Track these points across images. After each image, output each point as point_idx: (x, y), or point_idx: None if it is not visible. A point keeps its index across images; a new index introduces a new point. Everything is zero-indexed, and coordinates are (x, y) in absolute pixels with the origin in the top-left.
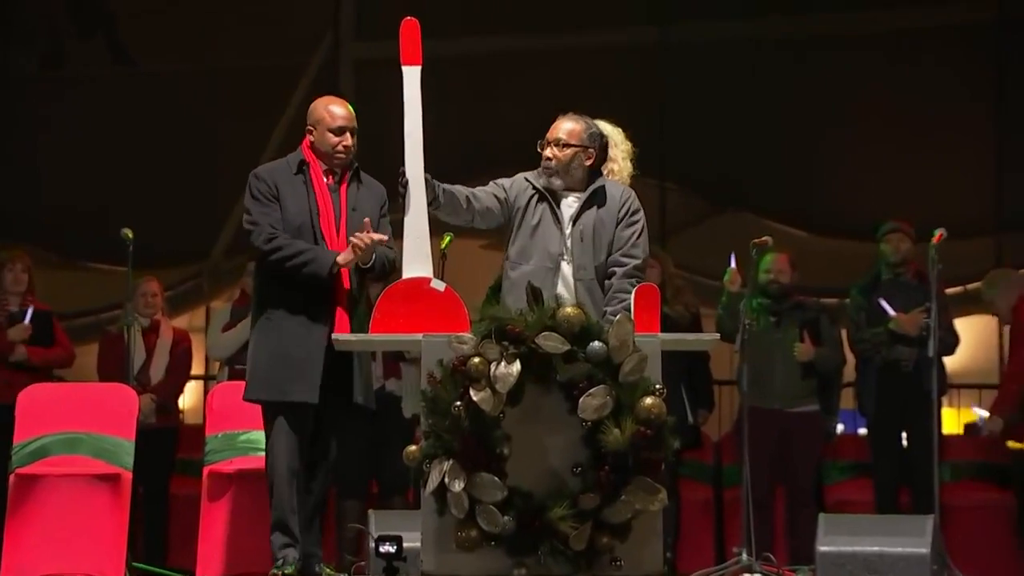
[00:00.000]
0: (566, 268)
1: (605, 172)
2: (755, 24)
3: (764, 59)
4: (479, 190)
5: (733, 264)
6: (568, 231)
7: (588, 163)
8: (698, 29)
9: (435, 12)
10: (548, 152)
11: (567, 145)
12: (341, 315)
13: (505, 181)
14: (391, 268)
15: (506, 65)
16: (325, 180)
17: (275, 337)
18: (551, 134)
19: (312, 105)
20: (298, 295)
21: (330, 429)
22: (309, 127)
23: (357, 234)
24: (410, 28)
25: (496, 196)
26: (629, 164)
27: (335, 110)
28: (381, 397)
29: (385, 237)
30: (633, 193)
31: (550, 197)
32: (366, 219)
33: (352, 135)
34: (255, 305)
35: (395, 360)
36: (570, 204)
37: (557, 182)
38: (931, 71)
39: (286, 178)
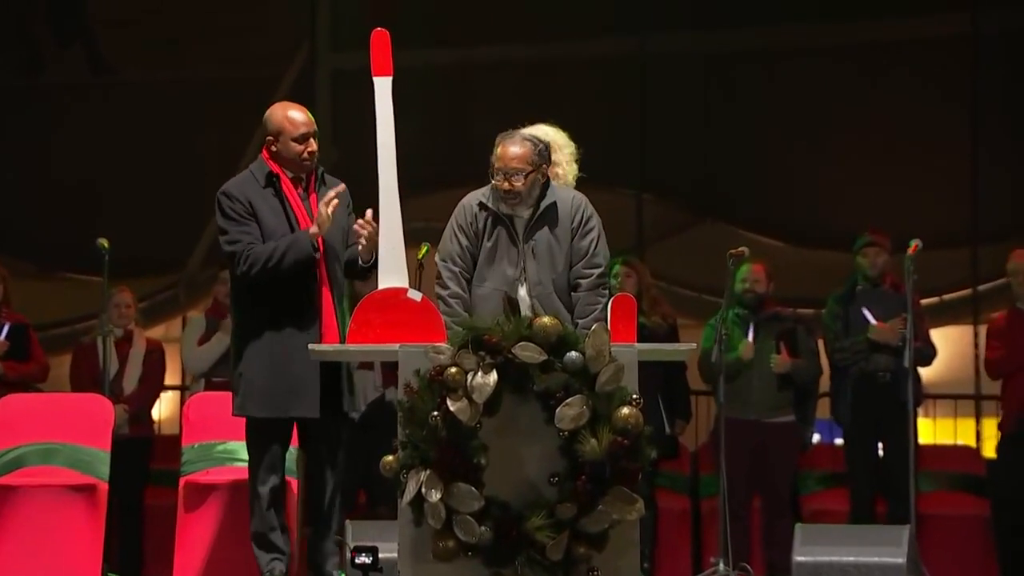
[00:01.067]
0: (522, 290)
1: (551, 176)
2: (733, 35)
3: (742, 70)
4: (456, 282)
5: (751, 338)
6: (522, 250)
7: (542, 180)
8: (677, 40)
9: (412, 23)
10: (506, 185)
11: (523, 173)
12: (330, 324)
13: (460, 225)
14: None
15: (481, 76)
16: (296, 189)
17: (266, 351)
18: (503, 164)
19: (268, 114)
20: (281, 305)
21: (327, 439)
22: (269, 137)
23: (360, 221)
24: (380, 39)
25: (465, 276)
26: (575, 166)
27: (295, 116)
28: (382, 406)
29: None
30: (585, 199)
31: (505, 218)
32: (368, 210)
33: (315, 139)
34: (235, 317)
35: (393, 370)
36: (523, 221)
37: (522, 210)
38: (907, 82)
39: (256, 192)
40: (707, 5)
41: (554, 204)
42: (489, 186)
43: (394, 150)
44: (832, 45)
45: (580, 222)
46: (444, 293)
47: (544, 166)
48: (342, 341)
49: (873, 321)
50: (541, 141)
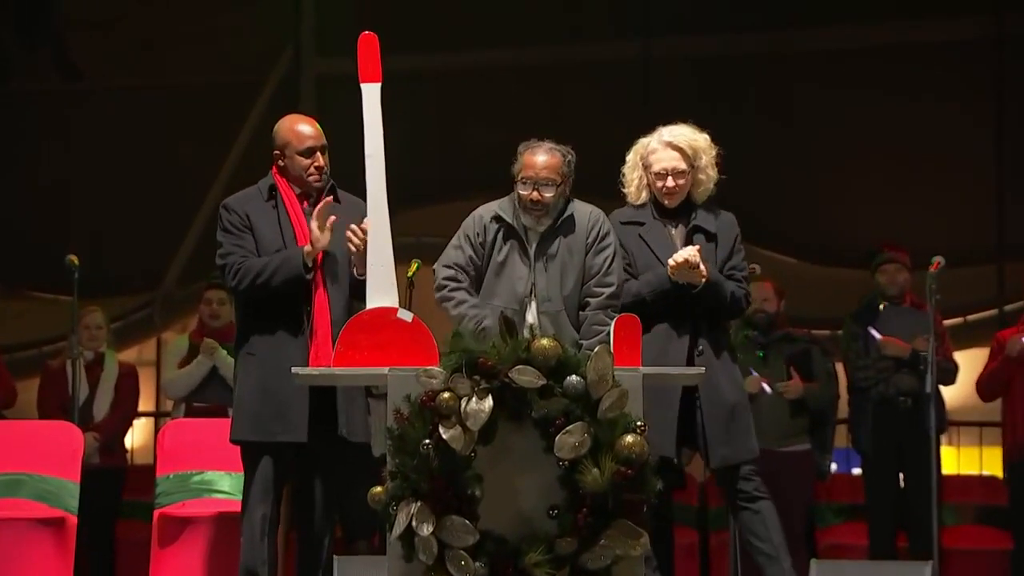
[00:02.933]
0: (532, 308)
1: (695, 183)
2: (749, 41)
3: (755, 81)
4: (463, 287)
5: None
6: (534, 265)
7: (567, 192)
8: (687, 44)
9: (403, 26)
10: (534, 196)
11: (553, 184)
12: (323, 346)
13: (468, 236)
14: None
15: (475, 82)
16: (301, 204)
17: (257, 372)
18: (533, 173)
19: (276, 127)
20: (278, 325)
21: (319, 466)
22: (276, 151)
23: (353, 227)
24: (368, 43)
25: (467, 288)
26: (715, 171)
27: (302, 130)
28: None
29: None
30: (603, 215)
31: (520, 231)
32: (366, 219)
33: (323, 153)
34: (237, 338)
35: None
36: (537, 234)
37: (546, 221)
38: (928, 92)
39: (257, 206)
40: (716, 9)
41: (571, 217)
42: (507, 198)
43: (383, 160)
44: (849, 51)
45: (596, 238)
46: (447, 291)
47: (570, 177)
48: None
49: (879, 336)
50: (569, 152)
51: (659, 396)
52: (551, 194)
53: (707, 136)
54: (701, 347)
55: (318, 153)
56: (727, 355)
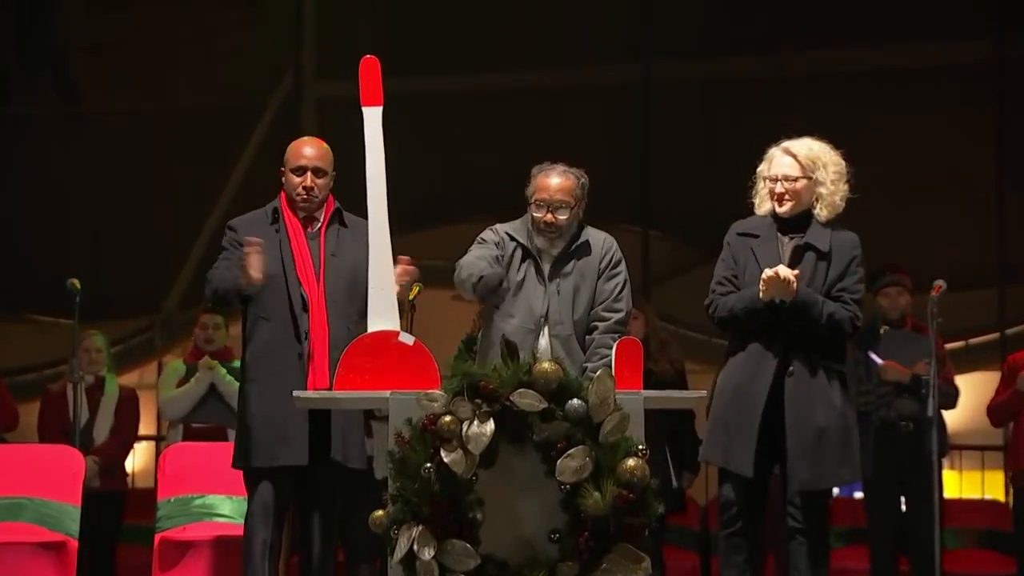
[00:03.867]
0: (544, 331)
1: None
2: (749, 63)
3: (754, 101)
4: (488, 261)
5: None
6: (548, 287)
7: (580, 214)
8: (685, 67)
9: (402, 49)
10: (548, 218)
11: (567, 206)
12: (322, 367)
13: (491, 240)
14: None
15: (476, 106)
16: (305, 228)
17: (257, 397)
18: (548, 195)
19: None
20: (277, 349)
21: (318, 491)
22: (282, 169)
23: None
24: (370, 67)
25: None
26: (844, 187)
27: (299, 148)
28: None
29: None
30: (615, 243)
31: (535, 253)
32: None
33: (315, 174)
34: (242, 364)
35: (366, 417)
36: (551, 258)
37: (560, 244)
38: (928, 113)
39: (261, 228)
40: (716, 31)
41: (586, 243)
42: (519, 220)
43: (384, 183)
44: (850, 72)
45: (609, 264)
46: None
47: (583, 200)
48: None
49: (880, 362)
50: (583, 175)
51: (740, 413)
52: (565, 216)
53: (836, 153)
54: (792, 368)
55: (309, 173)
56: (826, 377)
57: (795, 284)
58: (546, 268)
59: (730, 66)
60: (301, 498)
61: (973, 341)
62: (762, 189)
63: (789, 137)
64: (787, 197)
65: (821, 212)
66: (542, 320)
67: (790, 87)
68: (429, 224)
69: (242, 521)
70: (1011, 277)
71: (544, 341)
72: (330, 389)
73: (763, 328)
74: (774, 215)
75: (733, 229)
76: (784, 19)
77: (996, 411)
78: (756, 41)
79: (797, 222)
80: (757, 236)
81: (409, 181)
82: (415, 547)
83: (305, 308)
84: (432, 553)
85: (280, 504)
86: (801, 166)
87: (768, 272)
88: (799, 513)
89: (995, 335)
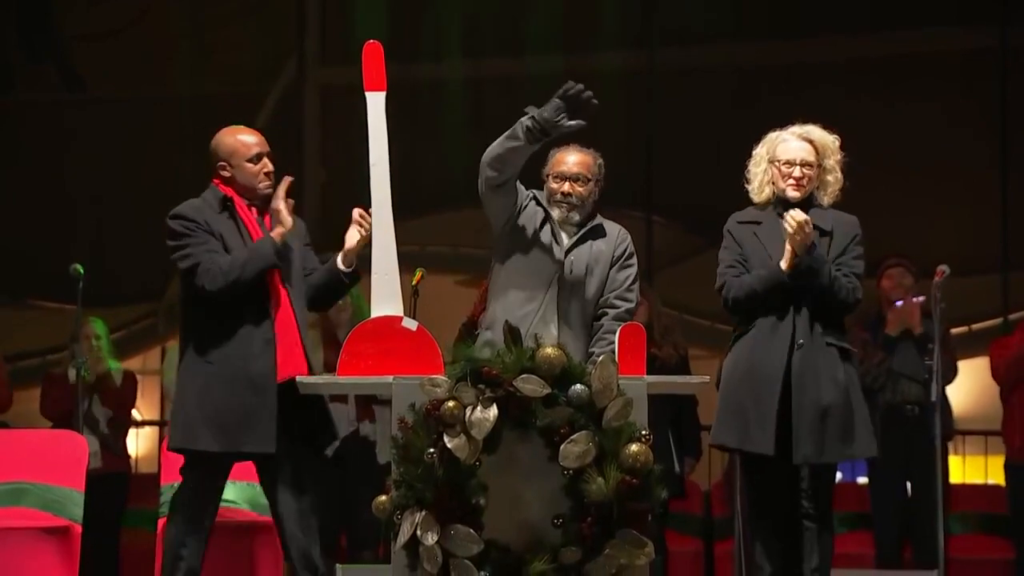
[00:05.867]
0: (551, 301)
1: (820, 183)
2: (751, 50)
3: (758, 88)
4: None
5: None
6: (562, 260)
7: (597, 195)
8: (688, 55)
9: (408, 36)
10: (566, 188)
11: (585, 179)
12: (294, 348)
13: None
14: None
15: (480, 92)
16: (250, 213)
17: (215, 380)
18: (565, 168)
19: (215, 140)
20: (237, 330)
21: (284, 478)
22: (221, 163)
23: (360, 211)
24: (373, 52)
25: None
26: (840, 175)
27: (246, 138)
28: (354, 441)
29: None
30: (629, 236)
31: (554, 223)
32: (355, 209)
33: (271, 159)
34: (184, 339)
35: (368, 403)
36: (568, 235)
37: (576, 217)
38: (932, 101)
39: (212, 216)
40: (721, 20)
41: (600, 227)
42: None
43: (388, 169)
44: (854, 62)
45: (623, 254)
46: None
47: (600, 181)
48: (310, 370)
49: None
50: (599, 155)
51: (756, 393)
52: (583, 188)
53: (837, 138)
54: (801, 341)
55: (266, 159)
56: (836, 354)
57: (810, 226)
58: (563, 240)
59: (734, 54)
60: (269, 488)
61: (976, 326)
62: (761, 174)
63: (793, 124)
64: (804, 182)
65: (824, 198)
66: (548, 287)
67: (794, 75)
68: (432, 210)
69: (247, 506)
70: (1014, 263)
71: (554, 328)
72: (309, 374)
73: (780, 305)
74: (777, 199)
75: (733, 219)
76: (789, 8)
77: (1015, 365)
78: (760, 29)
79: (798, 206)
80: (759, 223)
81: (412, 167)
82: (418, 532)
83: (268, 293)
84: (435, 538)
85: (219, 494)
86: (817, 152)
87: (792, 213)
88: (807, 496)
89: (998, 320)
